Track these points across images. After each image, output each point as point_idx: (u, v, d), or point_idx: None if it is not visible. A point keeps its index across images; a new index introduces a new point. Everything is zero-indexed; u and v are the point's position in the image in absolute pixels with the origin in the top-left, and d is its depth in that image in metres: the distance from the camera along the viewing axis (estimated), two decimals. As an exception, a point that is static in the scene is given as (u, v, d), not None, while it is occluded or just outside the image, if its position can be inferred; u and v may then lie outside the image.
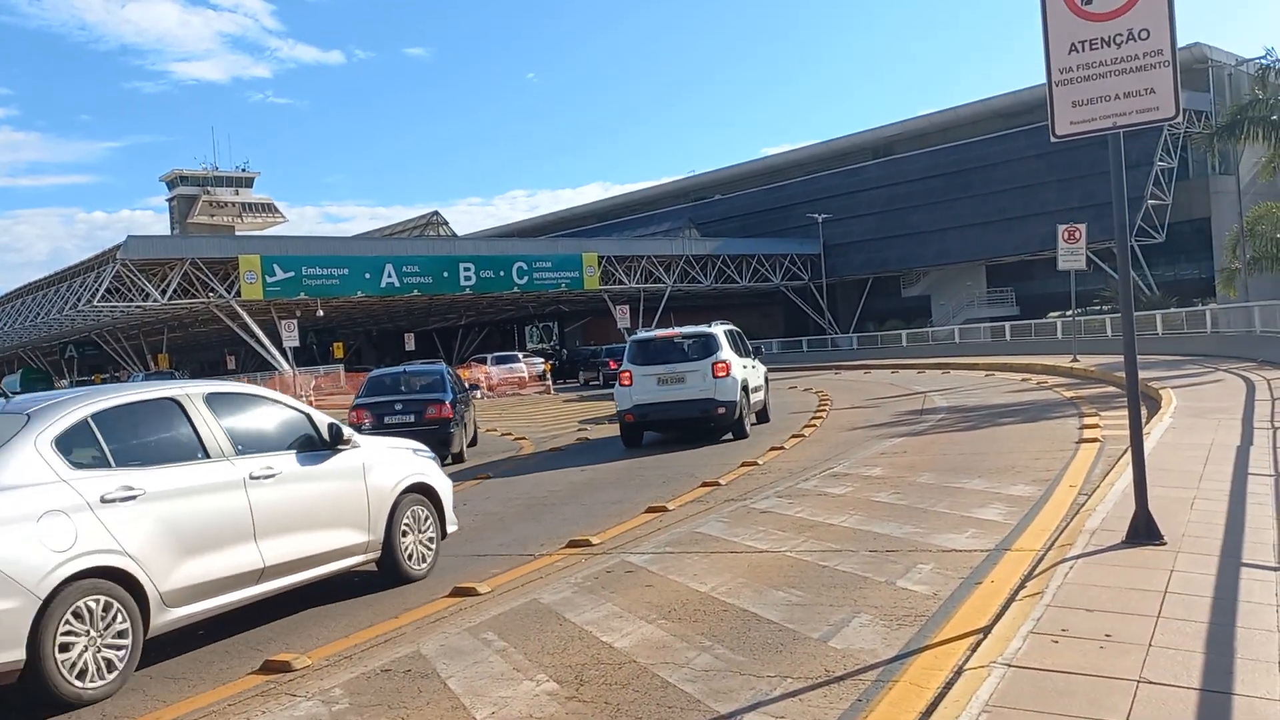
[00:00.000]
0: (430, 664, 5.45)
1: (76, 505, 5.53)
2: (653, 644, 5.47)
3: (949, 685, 4.31)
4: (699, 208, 78.24)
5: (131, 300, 45.44)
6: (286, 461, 6.91)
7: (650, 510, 9.92)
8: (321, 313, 50.20)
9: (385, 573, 7.64)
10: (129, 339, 62.39)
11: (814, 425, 17.54)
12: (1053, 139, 6.11)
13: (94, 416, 6.02)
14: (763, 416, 18.53)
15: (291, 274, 46.67)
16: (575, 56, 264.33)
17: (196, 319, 54.17)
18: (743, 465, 12.75)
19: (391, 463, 7.84)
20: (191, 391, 6.69)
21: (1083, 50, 5.97)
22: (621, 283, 58.54)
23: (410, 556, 7.74)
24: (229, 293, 45.90)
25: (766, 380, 19.64)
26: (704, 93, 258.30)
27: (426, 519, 7.98)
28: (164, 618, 5.85)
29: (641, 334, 18.78)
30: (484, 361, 46.88)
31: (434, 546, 8.03)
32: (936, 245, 61.61)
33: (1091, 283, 45.82)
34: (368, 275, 48.92)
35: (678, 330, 17.89)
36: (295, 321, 43.49)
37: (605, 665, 5.18)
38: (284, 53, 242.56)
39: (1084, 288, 33.97)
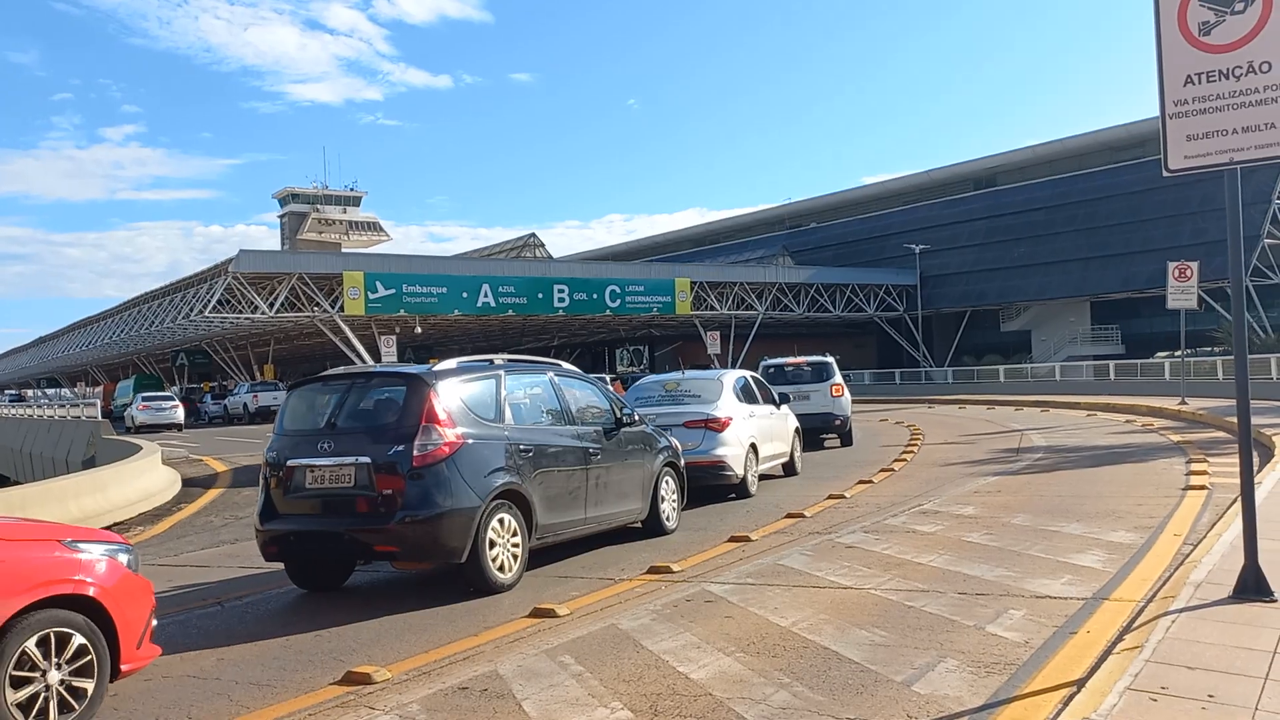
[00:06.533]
0: (507, 684, 5.45)
1: (744, 416, 13.60)
2: (730, 677, 5.37)
3: (1038, 739, 4.13)
4: (794, 235, 77.81)
5: (241, 312, 47.11)
6: (770, 409, 15.02)
7: (733, 539, 9.82)
8: (419, 330, 51.21)
9: None
10: (237, 349, 64.58)
11: (904, 460, 17.18)
12: (1165, 173, 5.86)
13: (736, 379, 14.37)
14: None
15: (392, 291, 47.76)
16: (677, 84, 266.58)
17: (301, 332, 55.77)
18: (829, 498, 12.53)
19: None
20: (748, 374, 15.31)
21: (1199, 83, 5.73)
22: (713, 309, 58.46)
23: None
24: (333, 308, 47.18)
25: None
26: (805, 123, 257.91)
27: None
28: (760, 468, 13.87)
29: (769, 360, 23.11)
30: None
31: None
32: (1038, 279, 60.06)
33: (1202, 323, 44.04)
34: (465, 294, 49.75)
35: (802, 359, 22.80)
36: (394, 338, 44.47)
37: (680, 696, 5.11)
38: (395, 76, 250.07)
39: (1194, 328, 32.65)
